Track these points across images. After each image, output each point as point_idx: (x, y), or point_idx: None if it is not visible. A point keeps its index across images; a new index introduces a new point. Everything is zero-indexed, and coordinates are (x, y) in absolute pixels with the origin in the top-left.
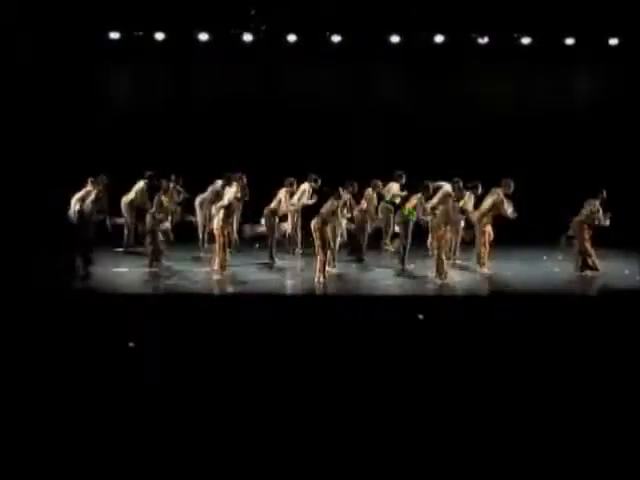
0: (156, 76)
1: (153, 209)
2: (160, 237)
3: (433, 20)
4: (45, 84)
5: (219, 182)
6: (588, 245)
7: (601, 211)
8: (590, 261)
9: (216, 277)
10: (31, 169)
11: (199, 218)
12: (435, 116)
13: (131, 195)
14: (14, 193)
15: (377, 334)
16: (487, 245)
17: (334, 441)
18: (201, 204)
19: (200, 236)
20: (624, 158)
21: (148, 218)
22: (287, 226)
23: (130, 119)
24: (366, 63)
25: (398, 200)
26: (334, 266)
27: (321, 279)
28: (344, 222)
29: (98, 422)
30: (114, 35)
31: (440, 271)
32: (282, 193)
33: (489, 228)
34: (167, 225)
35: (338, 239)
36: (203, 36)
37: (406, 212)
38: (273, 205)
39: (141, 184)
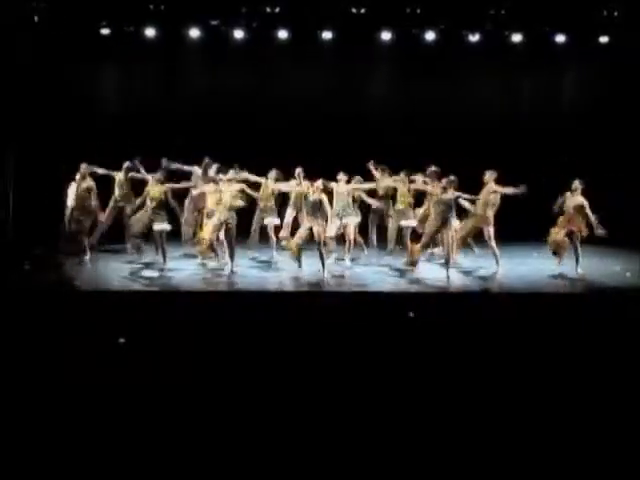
0: (147, 72)
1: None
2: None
3: (424, 17)
4: (44, 84)
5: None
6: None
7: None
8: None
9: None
10: (31, 168)
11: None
12: (427, 114)
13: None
14: (14, 193)
15: (369, 331)
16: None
17: (329, 439)
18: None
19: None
20: (613, 156)
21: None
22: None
23: (120, 117)
24: (357, 60)
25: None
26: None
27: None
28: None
29: (96, 421)
30: (104, 31)
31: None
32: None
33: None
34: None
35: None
36: (194, 32)
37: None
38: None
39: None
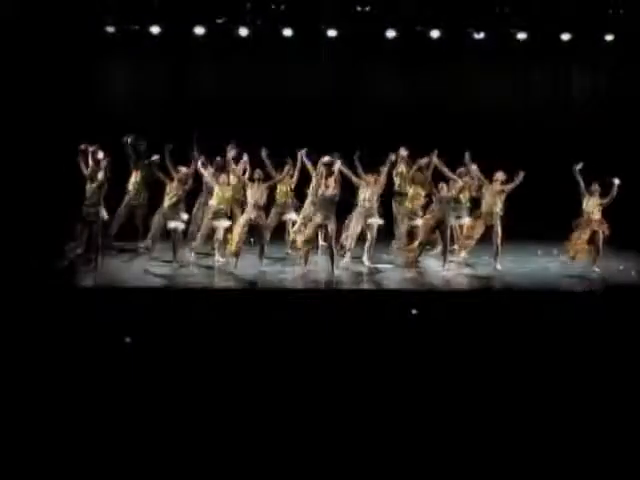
0: (152, 70)
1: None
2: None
3: (429, 15)
4: (44, 81)
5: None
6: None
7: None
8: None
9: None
10: (32, 168)
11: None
12: (432, 111)
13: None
14: (14, 192)
15: (373, 329)
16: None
17: (332, 439)
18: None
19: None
20: (621, 155)
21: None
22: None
23: (126, 114)
24: (362, 58)
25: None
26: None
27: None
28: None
29: (98, 421)
30: (110, 29)
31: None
32: None
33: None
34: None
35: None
36: (199, 30)
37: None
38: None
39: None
